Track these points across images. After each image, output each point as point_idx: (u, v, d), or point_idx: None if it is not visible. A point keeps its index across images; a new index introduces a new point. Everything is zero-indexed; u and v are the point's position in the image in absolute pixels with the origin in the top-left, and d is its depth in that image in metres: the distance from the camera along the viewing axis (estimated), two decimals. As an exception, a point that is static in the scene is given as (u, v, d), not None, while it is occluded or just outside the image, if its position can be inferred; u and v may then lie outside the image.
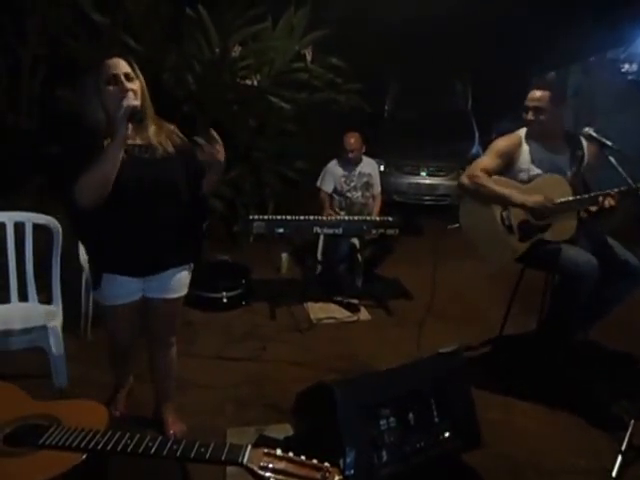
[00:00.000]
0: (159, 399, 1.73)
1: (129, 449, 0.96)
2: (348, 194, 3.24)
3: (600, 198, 1.85)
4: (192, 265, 1.59)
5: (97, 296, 1.53)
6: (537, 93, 1.93)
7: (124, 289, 1.46)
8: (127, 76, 1.32)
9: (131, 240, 1.39)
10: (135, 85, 1.33)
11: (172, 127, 1.50)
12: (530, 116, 1.96)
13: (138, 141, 1.38)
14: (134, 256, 1.42)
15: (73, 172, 1.24)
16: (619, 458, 1.55)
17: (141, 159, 1.36)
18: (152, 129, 1.40)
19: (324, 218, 2.89)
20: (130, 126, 1.27)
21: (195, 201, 1.48)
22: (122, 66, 1.32)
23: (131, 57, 1.38)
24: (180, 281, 1.55)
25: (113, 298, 1.48)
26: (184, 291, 1.58)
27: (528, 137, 2.03)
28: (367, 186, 3.27)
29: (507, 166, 2.01)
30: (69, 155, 1.32)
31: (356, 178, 3.24)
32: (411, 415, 1.42)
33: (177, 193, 1.43)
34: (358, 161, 3.23)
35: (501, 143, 2.04)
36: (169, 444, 0.96)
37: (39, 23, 3.08)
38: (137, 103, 1.28)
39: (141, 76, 1.37)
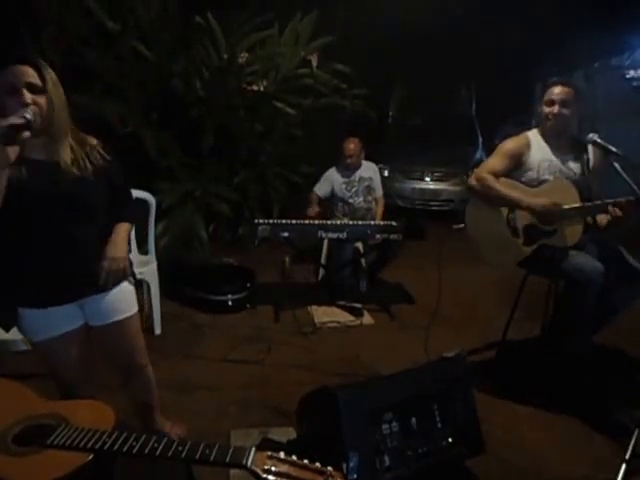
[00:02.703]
0: (145, 414, 1.62)
1: (135, 450, 0.97)
2: (350, 200, 3.25)
3: (609, 207, 1.84)
4: (132, 279, 1.41)
5: (21, 333, 1.29)
6: (560, 88, 1.92)
7: (51, 319, 1.27)
8: (31, 87, 1.13)
9: (40, 267, 1.23)
10: (40, 98, 1.14)
11: (95, 142, 1.32)
12: (555, 109, 1.92)
13: (43, 157, 1.21)
14: (47, 285, 1.25)
15: None
16: (623, 467, 1.54)
17: (46, 178, 1.19)
18: (65, 145, 1.22)
19: (328, 222, 2.91)
20: (14, 148, 1.07)
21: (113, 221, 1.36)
22: (26, 74, 1.13)
23: (42, 61, 1.17)
24: (125, 297, 1.37)
25: (40, 332, 1.27)
26: (134, 308, 1.41)
27: (539, 137, 2.02)
28: (369, 190, 3.28)
29: (515, 167, 2.01)
30: None
31: (357, 183, 3.25)
32: (414, 420, 1.42)
33: (95, 214, 1.29)
34: (357, 166, 3.25)
35: (509, 144, 2.04)
36: (174, 445, 0.98)
37: (54, 31, 3.14)
38: (29, 118, 1.09)
39: (57, 86, 1.19)
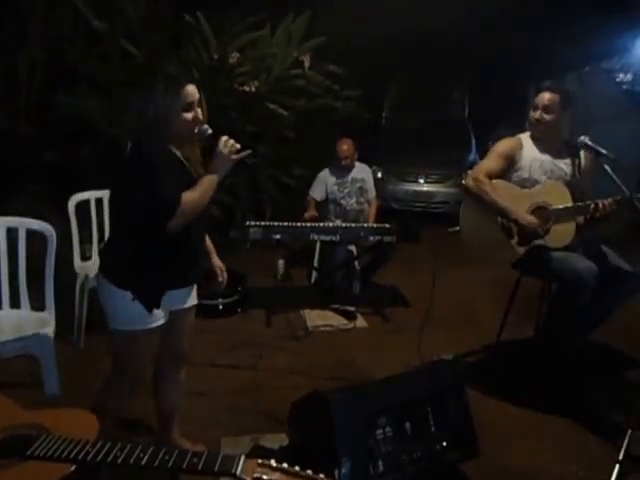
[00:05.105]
0: (169, 425, 1.62)
1: (120, 460, 0.94)
2: (342, 201, 3.23)
3: (600, 205, 1.87)
4: None
5: (127, 322, 1.34)
6: (548, 95, 2.00)
7: (162, 307, 1.38)
8: (199, 103, 1.33)
9: (190, 249, 1.40)
10: (201, 111, 1.34)
11: None
12: (538, 115, 2.00)
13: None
14: (192, 265, 1.43)
15: (174, 197, 1.23)
16: (616, 467, 1.54)
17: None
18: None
19: (321, 224, 2.89)
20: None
21: None
22: (196, 93, 1.32)
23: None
24: (195, 287, 1.55)
25: (152, 319, 1.36)
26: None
27: (530, 139, 2.07)
28: (361, 192, 3.27)
29: (508, 167, 2.05)
30: (165, 179, 1.24)
31: (349, 184, 3.23)
32: (408, 424, 1.40)
33: None
34: (351, 167, 3.23)
35: (502, 145, 2.09)
36: (161, 454, 0.94)
37: (38, 27, 3.09)
38: (210, 132, 1.33)
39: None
